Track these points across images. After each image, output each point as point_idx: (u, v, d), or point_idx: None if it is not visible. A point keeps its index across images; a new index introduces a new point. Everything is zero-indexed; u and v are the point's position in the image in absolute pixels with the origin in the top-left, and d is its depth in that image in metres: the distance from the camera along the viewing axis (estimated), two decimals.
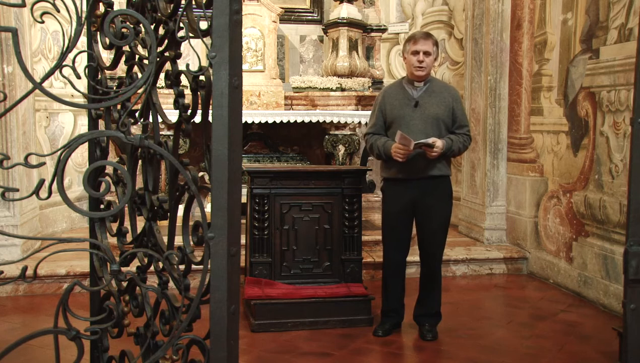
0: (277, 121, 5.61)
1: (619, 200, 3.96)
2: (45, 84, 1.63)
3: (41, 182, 1.61)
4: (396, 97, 3.56)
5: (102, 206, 2.18)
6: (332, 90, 6.07)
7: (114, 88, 2.04)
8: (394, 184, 3.56)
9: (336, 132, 5.77)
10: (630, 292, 2.25)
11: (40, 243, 4.79)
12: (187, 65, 1.84)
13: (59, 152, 1.60)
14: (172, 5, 1.76)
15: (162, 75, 1.86)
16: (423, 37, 3.49)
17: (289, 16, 6.67)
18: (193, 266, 1.74)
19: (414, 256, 3.81)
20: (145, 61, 1.91)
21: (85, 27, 1.86)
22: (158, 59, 1.78)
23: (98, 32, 2.01)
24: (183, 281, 1.75)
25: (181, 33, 1.70)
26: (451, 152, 3.48)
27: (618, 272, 3.91)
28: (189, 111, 1.74)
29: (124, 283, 1.99)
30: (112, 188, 1.95)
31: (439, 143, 3.38)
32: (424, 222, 3.56)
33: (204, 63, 1.61)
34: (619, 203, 3.96)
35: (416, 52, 3.46)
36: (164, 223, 1.90)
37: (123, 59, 2.04)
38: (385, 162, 3.59)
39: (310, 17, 6.86)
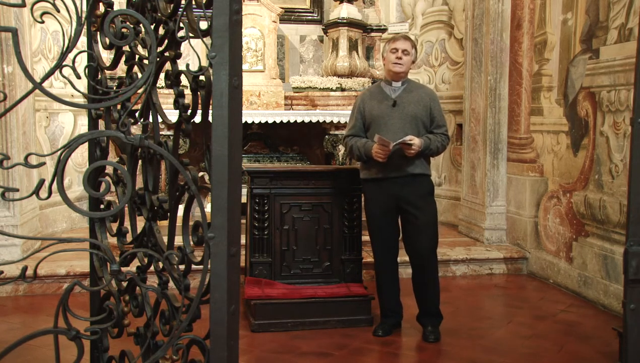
0: (277, 121, 5.61)
1: (619, 200, 3.96)
2: (45, 84, 1.63)
3: (41, 182, 1.61)
4: (375, 97, 3.61)
5: (102, 206, 2.18)
6: (332, 90, 6.07)
7: (114, 88, 2.04)
8: (374, 184, 3.58)
9: (336, 132, 5.77)
10: (630, 292, 2.25)
11: (40, 243, 4.79)
12: (187, 65, 1.85)
13: (59, 152, 1.60)
14: (172, 5, 1.76)
15: (162, 75, 1.86)
16: (403, 38, 3.61)
17: (289, 16, 6.67)
18: (193, 266, 1.74)
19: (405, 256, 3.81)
20: (145, 61, 1.91)
21: (85, 27, 1.87)
22: (158, 59, 1.78)
23: (98, 32, 2.01)
24: (183, 281, 1.75)
25: (181, 33, 1.71)
26: (429, 151, 3.51)
27: (618, 272, 3.91)
28: (189, 111, 1.74)
29: (124, 283, 1.99)
30: (112, 188, 1.95)
31: (416, 140, 3.42)
32: (410, 222, 3.56)
33: (204, 63, 1.61)
34: (619, 203, 3.96)
35: (395, 50, 3.54)
36: (164, 223, 1.90)
37: (123, 59, 2.05)
38: (364, 163, 3.62)
39: (310, 17, 6.85)
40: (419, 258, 3.58)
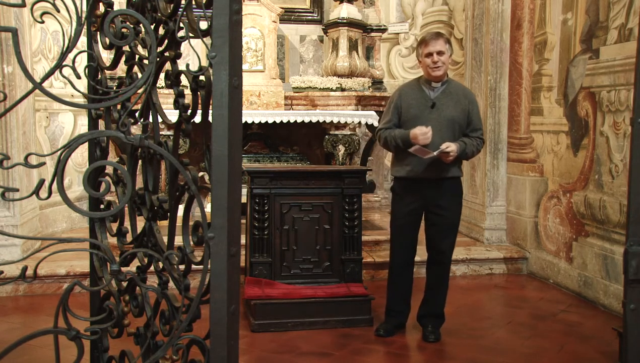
0: (277, 121, 5.61)
1: (619, 200, 3.96)
2: (45, 84, 1.63)
3: (41, 182, 1.61)
4: (413, 96, 3.53)
5: (102, 206, 2.18)
6: (332, 90, 6.07)
7: (114, 88, 2.04)
8: (406, 184, 3.55)
9: (336, 132, 5.77)
10: (630, 292, 2.24)
11: (40, 243, 4.79)
12: (187, 65, 1.85)
13: (59, 152, 1.60)
14: (172, 5, 1.76)
15: (162, 75, 1.86)
16: (434, 38, 3.48)
17: (289, 16, 6.67)
18: (193, 266, 1.74)
19: (418, 256, 3.80)
20: (145, 61, 1.91)
21: (85, 27, 1.87)
22: (158, 59, 1.78)
23: (98, 32, 2.01)
24: (183, 281, 1.75)
25: (181, 33, 1.71)
26: (464, 155, 3.48)
27: (618, 272, 3.91)
28: (189, 111, 1.74)
29: (124, 283, 1.99)
30: (112, 188, 1.95)
31: (453, 147, 3.37)
32: (435, 222, 3.55)
33: (204, 63, 1.61)
34: (619, 203, 3.96)
35: (429, 54, 3.45)
36: (164, 223, 1.90)
37: (123, 59, 2.04)
38: (397, 161, 3.57)
39: (310, 17, 6.85)
40: (441, 259, 3.59)
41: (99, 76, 2.11)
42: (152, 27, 1.80)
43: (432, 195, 3.51)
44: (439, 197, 3.51)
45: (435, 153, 3.34)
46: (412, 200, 3.54)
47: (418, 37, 6.67)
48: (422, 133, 3.34)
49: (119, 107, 2.01)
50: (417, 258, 3.72)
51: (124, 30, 1.74)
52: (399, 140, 3.46)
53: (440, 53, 3.44)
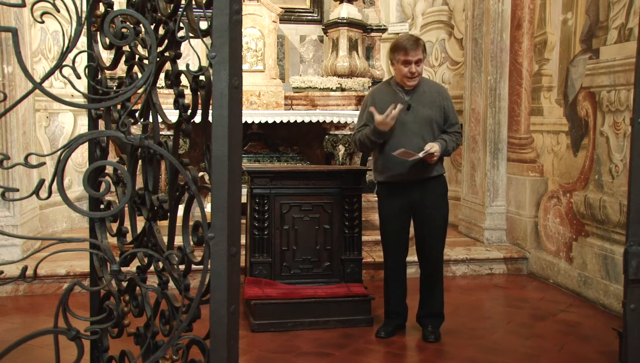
0: (277, 121, 5.61)
1: (619, 200, 3.96)
2: (45, 84, 1.63)
3: (41, 182, 1.61)
4: (387, 99, 3.48)
5: (102, 206, 2.18)
6: (332, 90, 6.07)
7: (114, 88, 2.04)
8: (391, 187, 3.54)
9: (336, 132, 5.77)
10: (630, 292, 2.24)
11: (40, 243, 4.78)
12: (187, 65, 1.85)
13: (59, 152, 1.60)
14: (172, 5, 1.76)
15: (162, 75, 1.86)
16: (413, 47, 3.39)
17: (289, 16, 6.67)
18: (193, 266, 1.74)
19: (413, 256, 3.81)
20: (145, 61, 1.91)
21: (85, 27, 1.87)
22: (158, 59, 1.78)
23: (98, 32, 2.01)
24: (183, 281, 1.75)
25: (181, 33, 1.71)
26: (447, 152, 3.48)
27: (618, 272, 3.91)
28: (189, 111, 1.74)
29: (124, 283, 1.99)
30: (112, 188, 1.95)
31: (436, 147, 3.37)
32: (424, 223, 3.55)
33: (204, 63, 1.61)
34: (619, 204, 3.96)
35: (408, 62, 3.39)
36: (164, 223, 1.90)
37: (123, 59, 2.05)
38: (378, 165, 3.57)
39: (310, 17, 6.85)
40: (432, 259, 3.59)
41: (99, 76, 2.11)
42: (152, 27, 1.80)
43: (417, 196, 3.50)
44: (425, 196, 3.50)
45: (420, 154, 3.33)
46: (399, 202, 3.53)
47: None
48: (384, 116, 3.31)
49: (119, 107, 2.01)
50: (409, 259, 3.73)
51: (124, 30, 1.74)
52: (371, 136, 3.43)
53: (418, 62, 3.40)
